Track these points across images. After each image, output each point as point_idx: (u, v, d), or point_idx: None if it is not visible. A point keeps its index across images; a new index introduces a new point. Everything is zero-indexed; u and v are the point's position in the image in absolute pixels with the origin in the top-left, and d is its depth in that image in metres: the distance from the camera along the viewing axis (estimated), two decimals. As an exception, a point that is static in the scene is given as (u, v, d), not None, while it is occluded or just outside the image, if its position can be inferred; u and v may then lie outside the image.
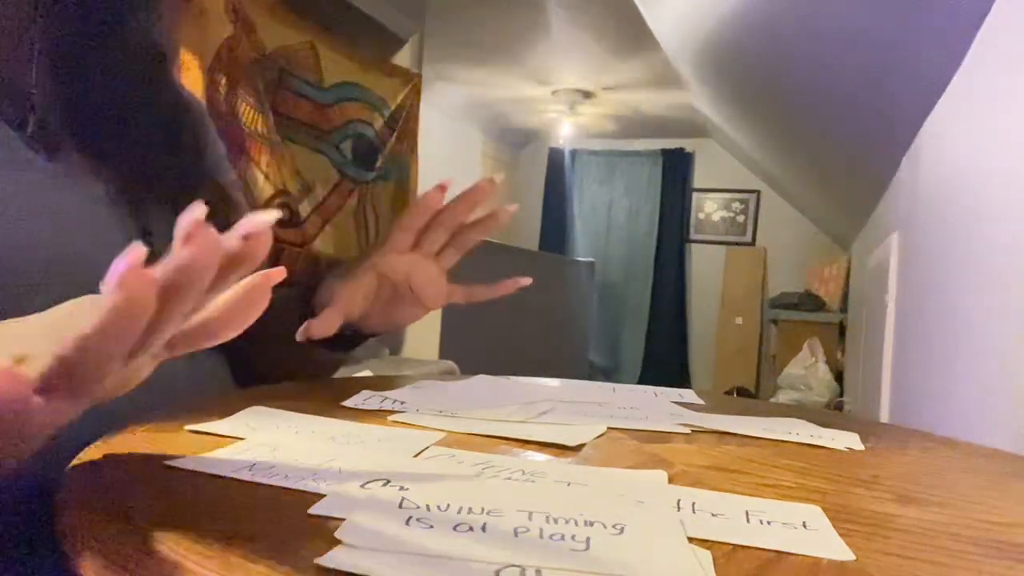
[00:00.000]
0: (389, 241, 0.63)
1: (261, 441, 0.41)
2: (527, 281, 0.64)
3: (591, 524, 0.30)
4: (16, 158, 0.50)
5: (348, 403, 0.55)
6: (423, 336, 3.44)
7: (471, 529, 0.29)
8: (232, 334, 0.32)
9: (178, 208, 0.29)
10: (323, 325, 0.60)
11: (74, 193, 0.52)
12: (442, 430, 0.47)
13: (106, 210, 0.54)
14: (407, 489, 0.33)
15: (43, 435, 0.29)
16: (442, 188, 0.61)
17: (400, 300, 0.65)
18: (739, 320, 5.78)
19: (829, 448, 0.51)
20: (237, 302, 0.31)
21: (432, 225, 0.63)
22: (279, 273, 0.31)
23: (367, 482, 0.34)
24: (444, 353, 3.46)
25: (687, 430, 0.54)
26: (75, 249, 0.50)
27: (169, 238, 0.26)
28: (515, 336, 3.99)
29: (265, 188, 2.52)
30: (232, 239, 0.28)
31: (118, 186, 0.55)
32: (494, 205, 0.63)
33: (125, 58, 0.58)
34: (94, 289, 0.39)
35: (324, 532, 0.28)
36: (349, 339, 0.67)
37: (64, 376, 0.27)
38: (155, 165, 0.59)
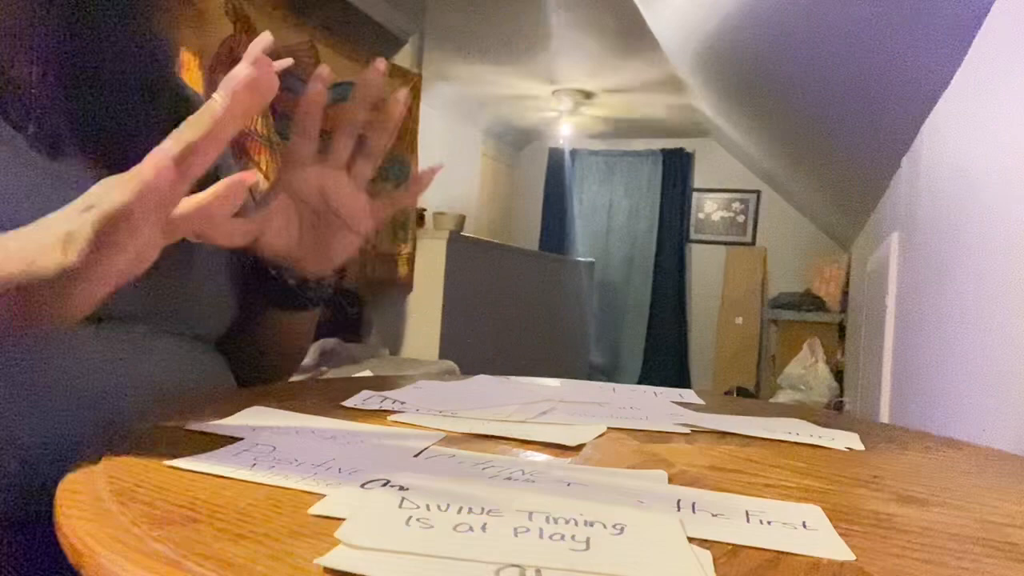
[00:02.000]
0: (289, 152, 0.60)
1: (261, 441, 0.41)
2: (440, 168, 0.61)
3: (591, 524, 0.30)
4: (18, 158, 0.50)
5: (348, 403, 0.55)
6: (423, 336, 3.44)
7: (471, 529, 0.29)
8: (222, 220, 0.42)
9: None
10: (229, 233, 0.49)
11: (76, 193, 0.52)
12: (442, 430, 0.47)
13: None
14: (407, 489, 0.33)
15: (95, 296, 0.39)
16: (322, 80, 0.58)
17: (327, 228, 0.61)
18: (739, 320, 5.78)
19: (829, 448, 0.51)
20: (219, 193, 0.40)
21: (333, 132, 0.60)
22: (251, 176, 0.39)
23: (367, 482, 0.34)
24: (444, 353, 3.46)
25: (687, 430, 0.54)
26: None
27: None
28: (515, 336, 3.99)
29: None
30: (243, 68, 0.42)
31: None
32: (389, 102, 0.60)
33: (127, 58, 0.58)
34: None
35: (324, 532, 0.28)
36: (295, 292, 0.63)
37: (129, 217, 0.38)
38: None
